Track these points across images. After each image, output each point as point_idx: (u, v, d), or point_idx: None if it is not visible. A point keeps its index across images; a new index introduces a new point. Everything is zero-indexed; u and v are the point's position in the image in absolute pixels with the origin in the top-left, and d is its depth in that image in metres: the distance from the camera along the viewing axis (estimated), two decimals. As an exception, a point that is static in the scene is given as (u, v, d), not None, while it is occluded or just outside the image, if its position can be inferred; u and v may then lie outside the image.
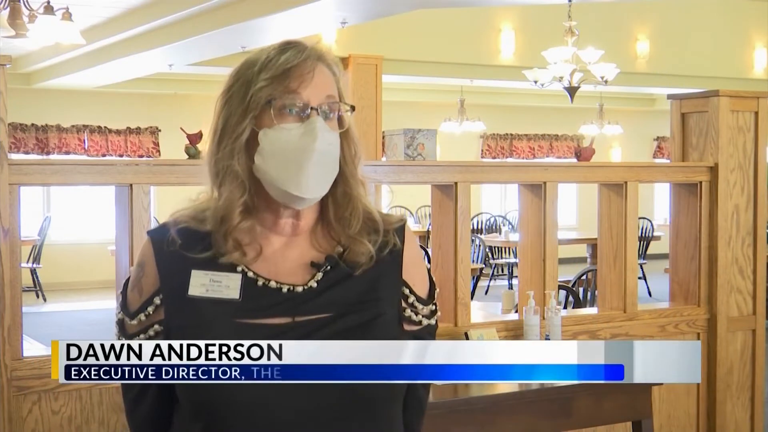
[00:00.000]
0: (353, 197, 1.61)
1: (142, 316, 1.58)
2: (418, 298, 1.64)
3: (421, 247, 9.72)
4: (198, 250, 1.56)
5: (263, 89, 1.53)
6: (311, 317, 1.54)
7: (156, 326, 1.56)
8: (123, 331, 1.60)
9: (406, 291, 1.63)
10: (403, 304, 1.62)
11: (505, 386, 3.35)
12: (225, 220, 1.55)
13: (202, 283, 1.54)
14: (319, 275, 1.57)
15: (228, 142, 1.55)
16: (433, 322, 1.67)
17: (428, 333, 1.65)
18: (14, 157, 8.93)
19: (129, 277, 1.63)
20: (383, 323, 1.57)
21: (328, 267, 1.57)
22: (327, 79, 1.57)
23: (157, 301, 1.57)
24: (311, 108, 1.54)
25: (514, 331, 3.95)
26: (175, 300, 1.55)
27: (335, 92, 1.58)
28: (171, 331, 1.52)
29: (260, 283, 1.55)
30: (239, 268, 1.55)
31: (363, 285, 1.58)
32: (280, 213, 1.59)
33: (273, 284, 1.55)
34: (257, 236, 1.58)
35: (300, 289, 1.56)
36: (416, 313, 1.64)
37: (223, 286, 1.54)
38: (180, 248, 1.56)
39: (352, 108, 1.61)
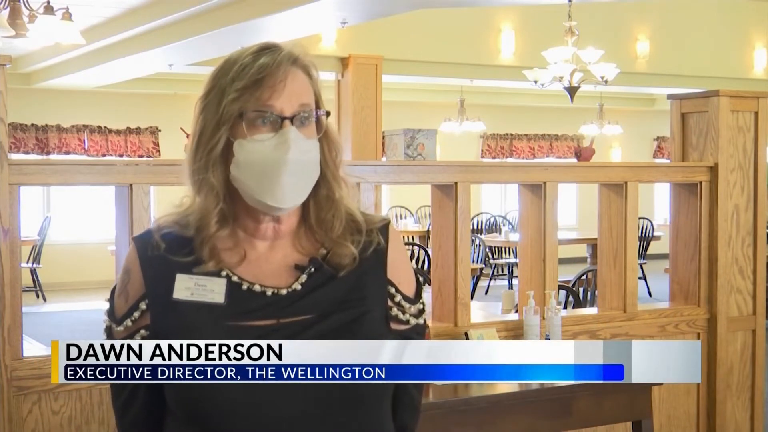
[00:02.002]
0: (335, 199, 1.61)
1: (128, 322, 1.58)
2: (405, 297, 1.64)
3: (421, 247, 9.69)
4: (182, 255, 1.56)
5: (235, 101, 1.52)
6: (296, 319, 1.54)
7: (142, 331, 1.56)
8: (111, 338, 1.59)
9: (392, 290, 1.63)
10: (390, 304, 1.62)
11: (505, 386, 3.35)
12: (201, 229, 1.55)
13: (187, 287, 1.54)
14: (303, 277, 1.57)
15: (203, 153, 1.55)
16: (421, 321, 1.66)
17: (416, 332, 1.65)
18: (14, 157, 8.93)
19: (115, 285, 1.63)
20: (369, 321, 1.57)
21: (312, 269, 1.57)
22: (301, 86, 1.56)
23: (143, 306, 1.57)
24: (284, 118, 1.53)
25: (514, 331, 3.95)
26: (160, 304, 1.55)
27: (310, 98, 1.57)
28: (158, 336, 1.51)
29: (245, 287, 1.55)
30: (224, 273, 1.55)
31: (347, 285, 1.58)
32: (260, 219, 1.59)
33: (257, 288, 1.55)
34: (240, 241, 1.59)
35: (284, 291, 1.56)
36: (403, 312, 1.63)
37: (208, 290, 1.54)
38: (164, 252, 1.56)
39: (327, 113, 1.60)
